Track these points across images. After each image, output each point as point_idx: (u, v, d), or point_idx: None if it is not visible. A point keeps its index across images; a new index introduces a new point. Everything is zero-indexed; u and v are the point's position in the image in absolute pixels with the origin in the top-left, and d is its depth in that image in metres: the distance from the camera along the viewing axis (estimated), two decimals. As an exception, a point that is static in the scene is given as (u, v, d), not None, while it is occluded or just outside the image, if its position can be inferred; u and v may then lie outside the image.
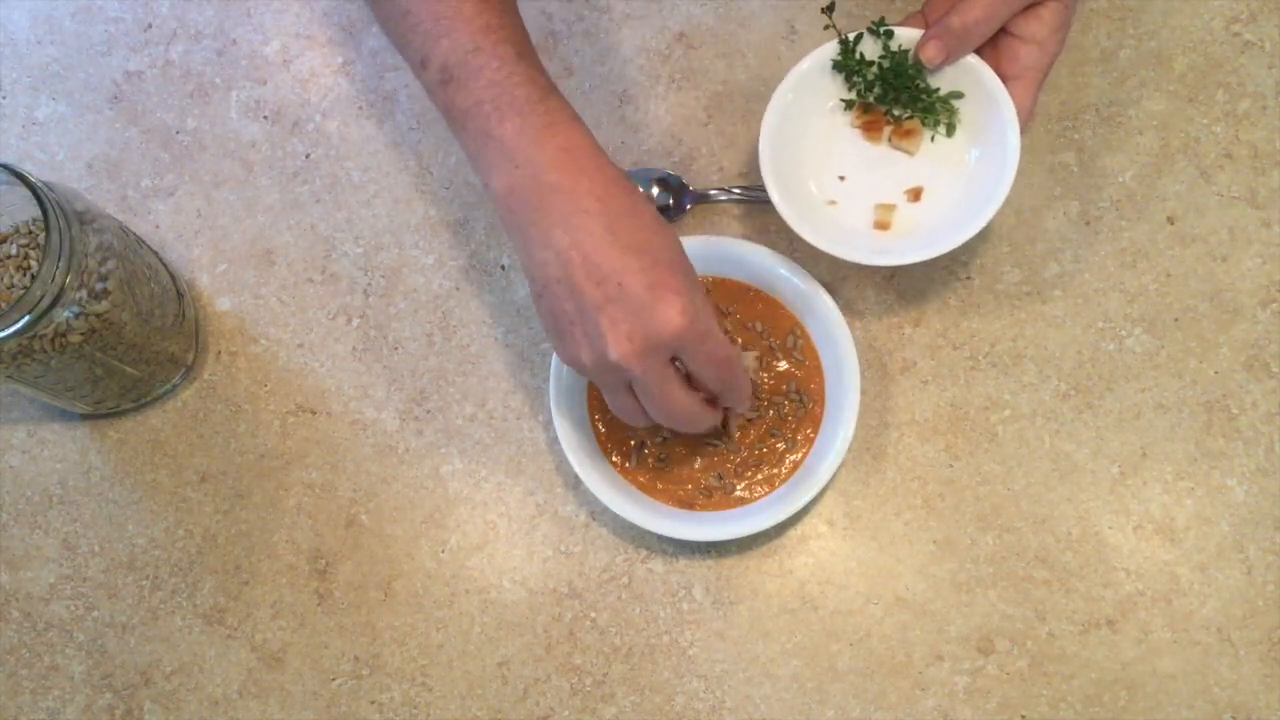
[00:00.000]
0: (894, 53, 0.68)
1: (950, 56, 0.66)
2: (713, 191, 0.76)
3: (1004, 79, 0.66)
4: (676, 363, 0.59)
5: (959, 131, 0.69)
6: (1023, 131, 0.66)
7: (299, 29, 0.82)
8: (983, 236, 0.75)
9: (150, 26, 0.83)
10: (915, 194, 0.70)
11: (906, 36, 0.68)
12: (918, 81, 0.68)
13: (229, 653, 0.72)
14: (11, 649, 0.73)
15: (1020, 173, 0.75)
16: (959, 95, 0.68)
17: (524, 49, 0.60)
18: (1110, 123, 0.76)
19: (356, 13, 0.82)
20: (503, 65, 0.58)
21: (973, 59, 0.67)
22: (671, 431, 0.71)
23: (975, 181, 0.68)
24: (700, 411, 0.61)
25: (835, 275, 0.75)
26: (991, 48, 0.67)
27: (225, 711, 0.72)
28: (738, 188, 0.76)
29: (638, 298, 0.56)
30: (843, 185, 0.71)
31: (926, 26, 0.67)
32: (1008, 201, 0.75)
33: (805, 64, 0.69)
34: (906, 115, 0.70)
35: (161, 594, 0.74)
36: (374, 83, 0.81)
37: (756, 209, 0.76)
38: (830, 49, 0.69)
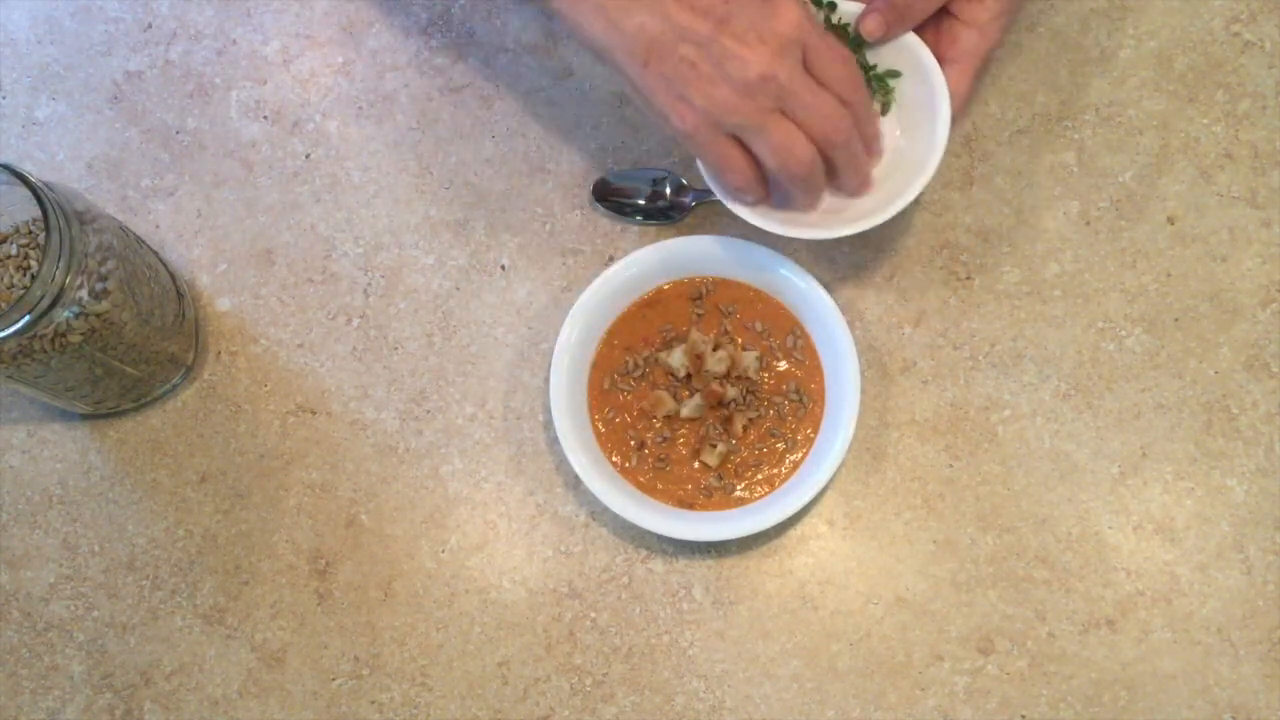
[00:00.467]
0: (834, 26, 0.68)
1: (890, 31, 0.66)
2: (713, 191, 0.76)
3: (942, 62, 0.66)
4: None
5: (893, 110, 0.69)
6: (956, 117, 0.65)
7: (299, 29, 0.82)
8: (983, 236, 0.75)
9: (150, 26, 0.83)
10: None
11: (848, 10, 0.67)
12: (857, 57, 0.67)
13: (229, 653, 0.72)
14: (11, 649, 0.73)
15: (1020, 173, 0.76)
16: (896, 74, 0.68)
17: None
18: (1110, 123, 0.76)
19: (356, 13, 0.82)
20: None
21: (913, 39, 0.66)
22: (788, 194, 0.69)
23: (904, 162, 0.67)
24: (841, 110, 0.62)
25: (835, 275, 0.75)
26: (934, 29, 0.67)
27: (225, 711, 0.72)
28: (737, 188, 0.76)
29: (749, 8, 0.57)
30: None
31: (869, 0, 0.67)
32: (1007, 201, 0.75)
33: None
34: None
35: (161, 594, 0.74)
36: (374, 83, 0.81)
37: (756, 209, 0.76)
38: None
